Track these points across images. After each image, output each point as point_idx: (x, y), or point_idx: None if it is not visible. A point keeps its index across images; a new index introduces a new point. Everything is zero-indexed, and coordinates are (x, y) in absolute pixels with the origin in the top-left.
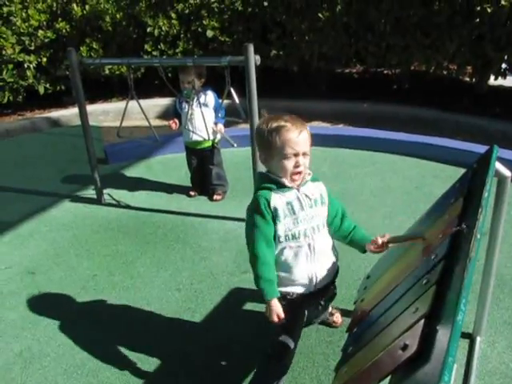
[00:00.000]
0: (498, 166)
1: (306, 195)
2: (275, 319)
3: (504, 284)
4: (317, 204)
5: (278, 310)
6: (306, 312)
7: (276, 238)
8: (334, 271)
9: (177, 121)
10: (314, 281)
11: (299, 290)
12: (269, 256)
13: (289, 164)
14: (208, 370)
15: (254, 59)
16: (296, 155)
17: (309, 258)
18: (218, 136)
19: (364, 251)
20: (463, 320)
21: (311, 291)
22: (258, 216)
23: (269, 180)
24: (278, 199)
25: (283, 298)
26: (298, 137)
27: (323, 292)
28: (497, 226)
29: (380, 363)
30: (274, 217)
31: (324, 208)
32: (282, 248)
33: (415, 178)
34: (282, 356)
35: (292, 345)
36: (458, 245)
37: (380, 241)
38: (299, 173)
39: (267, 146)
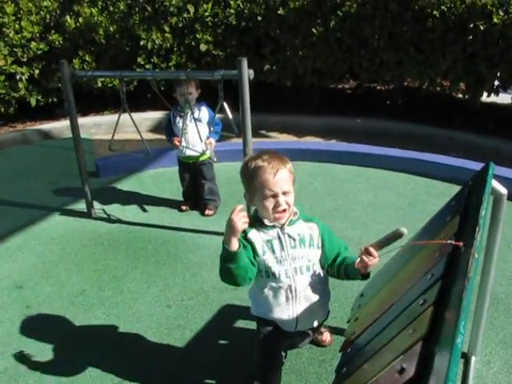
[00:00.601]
0: (494, 183)
1: (290, 235)
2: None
3: (498, 302)
4: (303, 245)
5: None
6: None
7: (258, 271)
8: (320, 316)
9: (178, 138)
10: (294, 324)
11: (279, 325)
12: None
13: (269, 205)
14: None
15: (247, 73)
16: (274, 196)
17: (289, 300)
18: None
19: (362, 276)
20: (462, 343)
21: (290, 332)
22: None
23: (254, 217)
24: (256, 235)
25: (263, 323)
26: (274, 178)
27: (303, 334)
28: (493, 244)
29: None
30: (252, 249)
31: (313, 250)
32: (264, 285)
33: (408, 194)
34: (265, 379)
35: (272, 369)
36: (455, 264)
37: (363, 248)
38: (283, 211)
39: (248, 187)
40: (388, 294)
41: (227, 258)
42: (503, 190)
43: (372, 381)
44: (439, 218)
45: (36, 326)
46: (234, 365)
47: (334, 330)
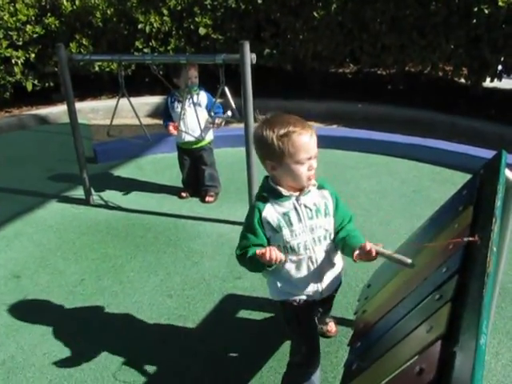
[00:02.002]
0: (508, 172)
1: (306, 206)
2: (268, 256)
3: (506, 292)
4: (319, 215)
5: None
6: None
7: (275, 245)
8: (338, 282)
9: (175, 124)
10: (320, 290)
11: (305, 297)
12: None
13: (303, 169)
14: (201, 381)
15: (249, 57)
16: (310, 159)
17: (311, 271)
18: (211, 136)
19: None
20: (486, 343)
21: (316, 299)
22: (249, 229)
23: (268, 189)
24: (272, 211)
25: (290, 305)
26: (310, 140)
27: (326, 301)
28: (504, 234)
29: None
30: (268, 229)
31: (328, 219)
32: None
33: (412, 180)
34: (309, 363)
35: (316, 347)
36: (472, 258)
37: (368, 247)
38: (312, 176)
39: (277, 153)
40: (398, 286)
41: (259, 266)
42: None
43: (387, 380)
44: (450, 207)
45: (34, 317)
46: (237, 357)
47: (339, 321)
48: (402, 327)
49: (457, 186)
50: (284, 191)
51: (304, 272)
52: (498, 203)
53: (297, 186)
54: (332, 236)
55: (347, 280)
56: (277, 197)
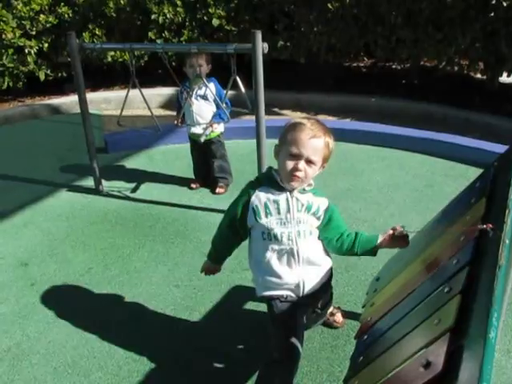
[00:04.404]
0: None
1: (298, 199)
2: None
3: None
4: (308, 211)
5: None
6: (304, 315)
7: (259, 233)
8: (324, 279)
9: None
10: (301, 286)
11: (288, 292)
12: (226, 233)
13: (289, 164)
14: (206, 374)
15: (261, 47)
16: (298, 157)
17: (293, 264)
18: (221, 129)
19: (374, 254)
20: (496, 337)
21: (299, 296)
22: (233, 201)
23: (267, 175)
24: (261, 196)
25: (277, 301)
26: (308, 139)
27: (312, 299)
28: None
29: (397, 380)
30: (254, 213)
31: (314, 220)
32: (265, 248)
33: (425, 175)
34: (289, 359)
35: (298, 346)
36: (484, 250)
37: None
38: (297, 177)
39: (280, 139)
40: (407, 279)
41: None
42: None
43: (393, 373)
44: (463, 199)
45: (40, 305)
46: (242, 349)
47: (348, 314)
48: (410, 320)
49: (470, 181)
50: (281, 183)
51: (284, 263)
52: None
53: (284, 180)
54: (316, 234)
55: (356, 274)
56: (272, 184)
